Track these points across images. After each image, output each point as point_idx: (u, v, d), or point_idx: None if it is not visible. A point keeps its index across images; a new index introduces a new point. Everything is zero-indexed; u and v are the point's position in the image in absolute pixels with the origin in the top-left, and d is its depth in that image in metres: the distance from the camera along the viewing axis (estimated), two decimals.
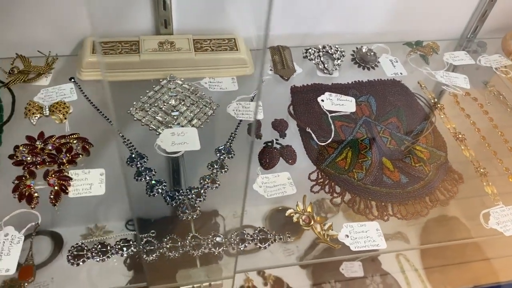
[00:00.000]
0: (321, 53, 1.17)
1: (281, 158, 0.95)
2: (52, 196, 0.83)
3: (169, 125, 0.98)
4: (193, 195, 0.87)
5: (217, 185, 0.90)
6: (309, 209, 0.87)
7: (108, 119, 0.99)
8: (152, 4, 1.09)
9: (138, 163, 0.91)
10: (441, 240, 0.97)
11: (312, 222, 0.85)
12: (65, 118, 0.97)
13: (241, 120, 1.03)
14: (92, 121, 1.00)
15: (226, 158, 0.95)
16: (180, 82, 1.06)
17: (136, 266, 0.86)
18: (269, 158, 0.94)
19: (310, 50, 1.18)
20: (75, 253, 0.77)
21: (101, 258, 0.77)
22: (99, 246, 0.78)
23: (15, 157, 0.88)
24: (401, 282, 1.42)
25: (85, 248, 0.78)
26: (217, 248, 0.81)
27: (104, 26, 1.12)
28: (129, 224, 0.95)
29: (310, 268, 1.42)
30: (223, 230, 0.89)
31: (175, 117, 0.99)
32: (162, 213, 0.90)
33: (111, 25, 1.12)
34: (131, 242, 0.79)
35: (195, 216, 0.86)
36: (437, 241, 0.97)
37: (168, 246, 0.80)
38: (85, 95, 1.03)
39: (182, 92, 1.04)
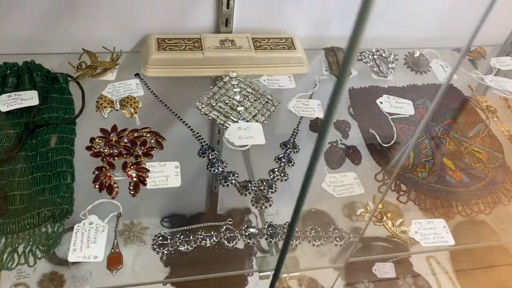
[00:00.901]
0: (375, 56, 1.20)
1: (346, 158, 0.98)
2: (131, 187, 0.85)
3: (235, 120, 1.00)
4: (265, 187, 0.90)
5: (286, 178, 0.92)
6: (380, 206, 0.89)
7: (175, 113, 1.01)
8: (215, 3, 1.11)
9: (210, 154, 0.93)
10: (470, 243, 0.99)
11: (384, 218, 0.87)
12: (136, 113, 0.98)
13: (301, 117, 1.05)
14: (159, 116, 1.02)
15: (292, 152, 0.97)
16: (242, 79, 1.08)
17: (173, 263, 0.88)
18: (336, 158, 0.96)
19: (364, 53, 1.21)
20: (160, 242, 0.79)
21: (185, 248, 0.79)
22: (182, 236, 0.80)
23: (93, 149, 0.90)
24: (433, 284, 1.44)
25: (168, 237, 0.80)
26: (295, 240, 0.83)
27: (166, 23, 1.14)
28: (164, 221, 0.98)
29: (343, 269, 1.44)
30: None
31: (240, 112, 1.01)
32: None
33: (172, 22, 1.14)
34: (212, 232, 0.81)
35: (268, 207, 0.88)
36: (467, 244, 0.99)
37: (246, 233, 0.82)
38: (151, 91, 1.05)
39: (245, 89, 1.06)
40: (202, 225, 0.83)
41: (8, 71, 0.99)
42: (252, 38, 1.14)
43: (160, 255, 0.80)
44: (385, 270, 1.46)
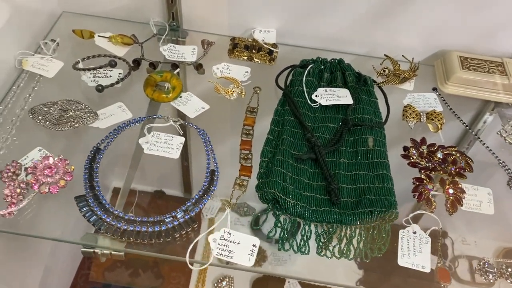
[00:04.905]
0: None
1: None
2: (449, 205, 0.86)
3: None
4: None
5: None
6: None
7: (479, 138, 1.00)
8: None
9: None
10: None
11: None
12: (441, 128, 0.99)
13: None
14: (456, 135, 1.02)
15: None
16: None
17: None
18: None
19: None
20: (486, 269, 0.79)
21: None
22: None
23: (410, 158, 0.92)
24: None
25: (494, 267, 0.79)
26: None
27: (465, 41, 1.13)
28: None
29: None
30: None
31: None
32: None
33: (472, 41, 1.12)
34: None
35: None
36: None
37: None
38: (452, 110, 1.05)
39: None
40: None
41: (323, 66, 1.06)
42: None
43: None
44: None
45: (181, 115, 0.98)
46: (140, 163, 0.97)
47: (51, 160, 0.83)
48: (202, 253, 1.41)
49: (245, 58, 1.11)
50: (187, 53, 1.09)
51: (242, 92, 1.01)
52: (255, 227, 0.83)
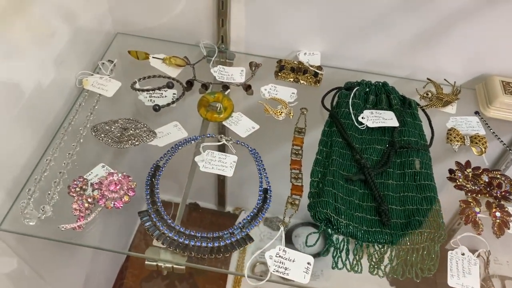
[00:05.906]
0: None
1: None
2: (496, 228, 0.88)
3: None
4: None
5: None
6: None
7: None
8: None
9: None
10: None
11: None
12: (484, 152, 1.01)
13: None
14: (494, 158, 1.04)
15: None
16: None
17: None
18: None
19: None
20: None
21: None
22: None
23: (457, 181, 0.95)
24: None
25: None
26: None
27: (507, 65, 1.15)
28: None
29: None
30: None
31: None
32: None
33: None
34: None
35: None
36: None
37: None
38: (495, 133, 1.07)
39: None
40: None
41: (368, 89, 1.10)
42: None
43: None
44: None
45: (222, 133, 1.02)
46: (178, 176, 1.02)
47: (115, 177, 0.88)
48: (235, 266, 1.44)
49: (291, 79, 1.15)
50: (236, 74, 1.14)
51: (290, 113, 1.05)
52: (309, 245, 0.86)
